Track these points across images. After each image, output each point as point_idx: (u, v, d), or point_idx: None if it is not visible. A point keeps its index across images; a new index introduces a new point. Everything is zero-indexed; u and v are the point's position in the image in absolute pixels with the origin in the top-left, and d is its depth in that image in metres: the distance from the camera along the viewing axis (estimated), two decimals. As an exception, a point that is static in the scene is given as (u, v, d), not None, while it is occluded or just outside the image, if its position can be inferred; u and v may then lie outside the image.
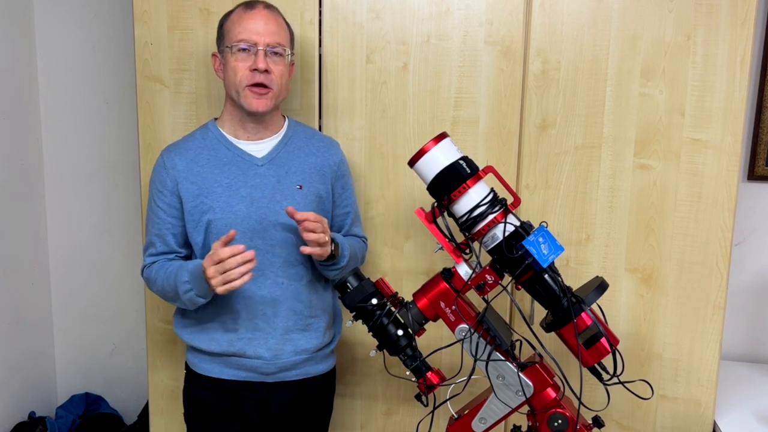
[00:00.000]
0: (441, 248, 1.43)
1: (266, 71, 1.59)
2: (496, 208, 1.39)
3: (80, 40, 2.47)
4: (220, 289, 1.48)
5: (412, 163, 1.43)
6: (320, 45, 1.88)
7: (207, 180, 1.64)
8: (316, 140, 1.77)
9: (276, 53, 1.61)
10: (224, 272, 1.47)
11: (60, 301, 2.64)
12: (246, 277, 1.48)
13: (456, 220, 1.44)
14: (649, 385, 1.82)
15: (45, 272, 2.60)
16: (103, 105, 2.50)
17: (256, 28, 1.59)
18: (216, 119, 1.73)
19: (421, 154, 1.41)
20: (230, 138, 1.68)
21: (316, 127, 1.91)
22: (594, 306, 1.41)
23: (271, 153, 1.68)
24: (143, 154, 1.99)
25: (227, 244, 1.49)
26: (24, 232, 2.47)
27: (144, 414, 2.50)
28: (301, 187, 1.68)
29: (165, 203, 1.66)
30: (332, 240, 1.65)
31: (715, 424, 1.88)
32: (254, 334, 1.66)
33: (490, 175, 1.42)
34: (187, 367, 1.77)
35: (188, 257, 1.71)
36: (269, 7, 1.64)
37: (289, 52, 1.65)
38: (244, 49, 1.59)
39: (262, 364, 1.67)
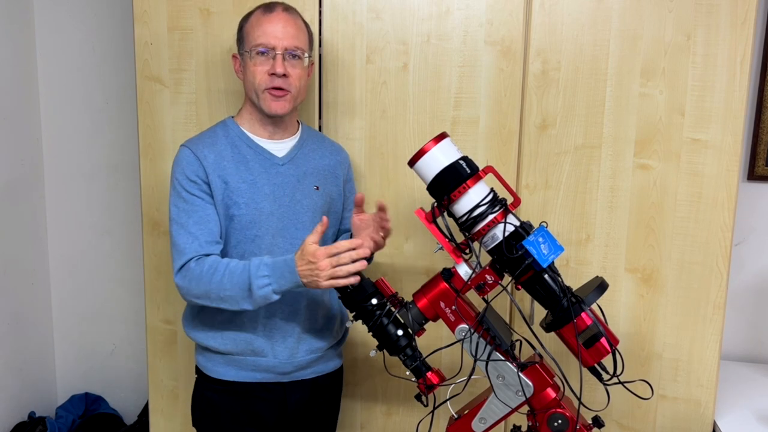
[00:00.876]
0: (441, 248, 1.43)
1: (284, 75, 1.59)
2: (496, 208, 1.39)
3: (80, 40, 2.47)
4: (325, 284, 1.44)
5: (412, 163, 1.43)
6: (320, 45, 1.88)
7: (232, 175, 1.62)
8: (327, 144, 1.80)
9: (294, 56, 1.61)
10: (337, 266, 1.44)
11: (60, 301, 2.64)
12: (354, 279, 1.44)
13: (456, 220, 1.43)
14: (649, 385, 1.82)
15: (45, 272, 2.60)
16: (103, 105, 2.50)
17: (274, 32, 1.58)
18: (233, 117, 1.72)
19: (421, 154, 1.41)
20: (251, 136, 1.68)
21: (316, 127, 1.91)
22: (594, 306, 1.41)
23: (290, 153, 1.69)
24: (143, 154, 1.99)
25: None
26: (24, 232, 2.47)
27: (144, 414, 2.50)
28: (318, 188, 1.70)
29: (202, 191, 1.61)
30: None
31: (715, 424, 1.88)
32: (272, 333, 1.66)
33: (490, 175, 1.42)
34: (198, 371, 1.75)
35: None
36: (288, 9, 1.63)
37: (307, 55, 1.65)
38: (262, 53, 1.59)
39: (279, 364, 1.67)
